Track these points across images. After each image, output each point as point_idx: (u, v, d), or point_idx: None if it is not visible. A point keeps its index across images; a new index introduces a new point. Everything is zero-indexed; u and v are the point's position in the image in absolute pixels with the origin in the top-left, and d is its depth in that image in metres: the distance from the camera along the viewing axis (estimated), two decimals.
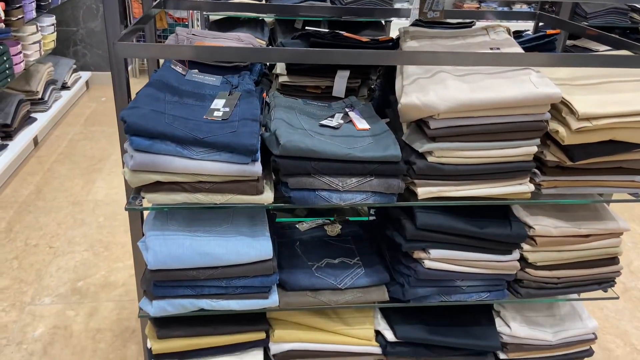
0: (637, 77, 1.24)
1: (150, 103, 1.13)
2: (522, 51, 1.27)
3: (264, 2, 3.45)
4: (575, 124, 1.13)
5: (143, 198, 1.16)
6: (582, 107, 1.12)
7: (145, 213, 1.32)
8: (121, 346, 1.87)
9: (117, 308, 2.05)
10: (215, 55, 1.09)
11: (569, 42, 3.93)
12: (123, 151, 1.15)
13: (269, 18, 3.81)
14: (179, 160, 1.09)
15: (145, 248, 1.18)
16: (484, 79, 1.17)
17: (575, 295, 1.48)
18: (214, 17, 3.77)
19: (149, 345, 1.33)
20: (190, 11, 4.66)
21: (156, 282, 1.21)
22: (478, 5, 5.98)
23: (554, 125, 1.18)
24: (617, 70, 1.25)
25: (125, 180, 1.14)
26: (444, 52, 1.15)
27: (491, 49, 1.28)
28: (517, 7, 5.43)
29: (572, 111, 1.14)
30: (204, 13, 3.63)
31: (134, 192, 1.17)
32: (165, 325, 1.31)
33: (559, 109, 1.17)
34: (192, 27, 4.71)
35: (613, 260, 1.38)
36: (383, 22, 3.51)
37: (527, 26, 1.91)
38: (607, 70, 1.25)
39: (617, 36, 1.39)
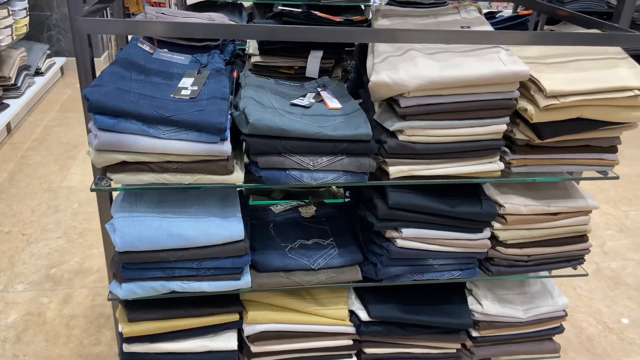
0: (605, 55, 1.25)
1: (115, 81, 1.10)
2: (492, 29, 1.26)
3: None
4: (543, 102, 1.13)
5: (110, 179, 1.14)
6: (550, 84, 1.13)
7: (115, 195, 1.30)
8: (95, 332, 1.85)
9: (91, 294, 2.03)
10: (182, 32, 1.07)
11: (546, 27, 3.96)
12: (88, 130, 1.13)
13: (247, 2, 3.76)
14: (144, 139, 1.07)
15: (112, 230, 1.16)
16: (453, 57, 1.17)
17: (545, 273, 1.50)
18: (192, 0, 3.71)
19: (120, 329, 1.31)
20: None
21: (125, 264, 1.19)
22: None
23: (523, 104, 1.18)
24: (585, 49, 1.26)
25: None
26: (414, 30, 1.14)
27: (462, 27, 1.28)
28: None
29: (540, 89, 1.14)
30: None
31: (101, 173, 1.14)
32: (136, 308, 1.30)
33: (528, 87, 1.17)
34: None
35: (582, 238, 1.40)
36: (362, 6, 3.49)
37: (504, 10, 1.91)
38: (575, 48, 1.26)
39: (591, 17, 1.39)
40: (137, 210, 1.20)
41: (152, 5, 4.68)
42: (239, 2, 3.64)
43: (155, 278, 1.21)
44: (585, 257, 1.43)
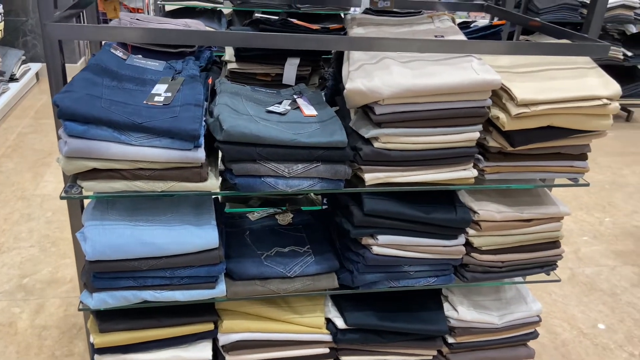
0: (574, 65, 1.27)
1: (86, 87, 1.08)
2: (465, 39, 1.28)
3: None
4: (514, 110, 1.15)
5: (81, 187, 1.12)
6: (521, 93, 1.15)
7: (87, 203, 1.27)
8: (68, 343, 1.81)
9: (64, 304, 1.99)
10: (153, 37, 1.06)
11: (522, 37, 4.03)
12: (58, 137, 1.11)
13: (226, 9, 3.76)
14: (116, 146, 1.05)
15: (83, 239, 1.14)
16: (427, 65, 1.18)
17: (520, 279, 1.52)
18: (170, 7, 3.69)
19: (91, 340, 1.29)
20: (146, 1, 4.55)
21: (96, 273, 1.17)
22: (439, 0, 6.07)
23: (495, 112, 1.20)
24: (556, 59, 1.28)
25: None
26: (388, 38, 1.15)
27: (435, 36, 1.29)
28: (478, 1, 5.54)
29: (511, 97, 1.16)
30: (159, 3, 3.55)
31: (71, 181, 1.12)
32: (107, 318, 1.27)
33: (500, 95, 1.19)
34: None
35: (554, 244, 1.42)
36: (342, 15, 3.52)
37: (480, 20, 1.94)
38: (546, 58, 1.28)
39: (562, 28, 1.42)
40: (109, 219, 1.18)
41: (130, 12, 4.64)
42: (218, 9, 3.63)
43: (127, 287, 1.19)
44: (560, 263, 1.45)
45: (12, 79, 4.01)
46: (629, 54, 4.07)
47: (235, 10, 3.77)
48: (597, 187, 3.22)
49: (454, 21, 1.39)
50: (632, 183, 3.32)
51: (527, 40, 4.00)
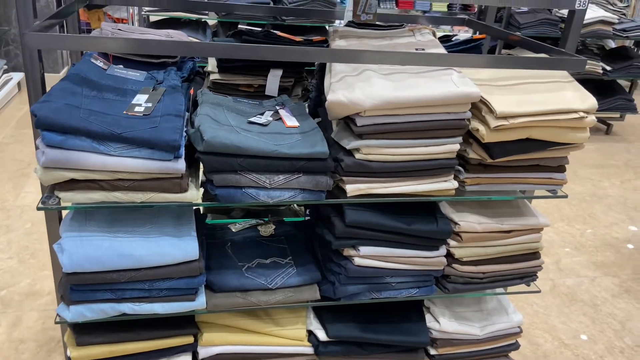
0: (552, 78, 1.29)
1: (64, 97, 1.07)
2: (445, 52, 1.30)
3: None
4: (493, 122, 1.17)
5: (58, 198, 1.10)
6: (500, 106, 1.16)
7: (65, 214, 1.26)
8: (46, 356, 1.77)
9: (42, 317, 1.95)
10: (134, 48, 1.05)
11: (504, 51, 4.10)
12: (36, 147, 1.09)
13: (212, 20, 3.76)
14: (94, 156, 1.04)
15: (60, 250, 1.12)
16: (408, 77, 1.19)
17: (501, 290, 1.52)
18: (155, 17, 3.68)
19: (68, 354, 1.26)
20: (131, 12, 4.54)
21: (73, 286, 1.15)
22: (422, 14, 6.15)
23: (475, 124, 1.21)
24: (534, 72, 1.31)
25: None
26: (369, 51, 1.16)
27: (416, 49, 1.31)
28: (460, 16, 5.62)
29: (490, 110, 1.17)
30: (143, 13, 3.54)
31: (49, 191, 1.11)
32: (85, 331, 1.25)
33: (479, 108, 1.21)
34: None
35: (534, 255, 1.43)
36: (327, 27, 3.54)
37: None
38: (525, 72, 1.30)
39: (539, 42, 1.45)
40: (87, 230, 1.16)
41: (114, 22, 4.63)
42: (203, 20, 3.64)
43: (105, 300, 1.17)
44: (542, 274, 1.46)
45: None
46: (608, 68, 4.15)
47: (220, 21, 3.79)
48: (578, 198, 3.26)
49: (434, 35, 1.41)
50: (611, 195, 3.37)
51: (509, 54, 4.07)
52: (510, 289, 1.53)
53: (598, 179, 3.58)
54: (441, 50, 1.32)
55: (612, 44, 4.60)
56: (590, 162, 3.84)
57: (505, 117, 1.17)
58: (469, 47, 1.60)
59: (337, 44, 1.34)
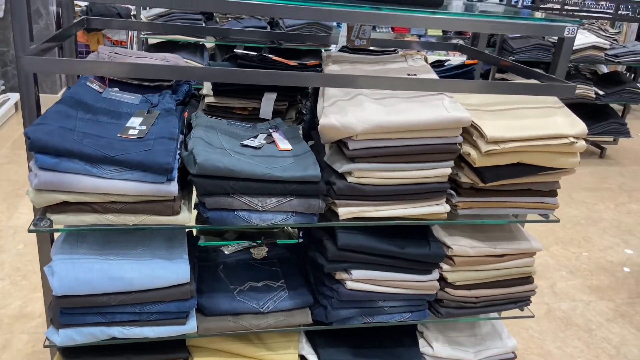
0: (542, 104, 1.31)
1: (59, 120, 1.08)
2: (437, 78, 1.32)
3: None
4: (484, 147, 1.18)
5: (50, 220, 1.10)
6: (491, 131, 1.17)
7: (57, 236, 1.25)
8: None
9: (32, 340, 1.92)
10: (129, 72, 1.07)
11: (498, 75, 4.15)
12: (29, 169, 1.10)
13: (209, 43, 3.81)
14: (87, 179, 1.04)
15: (50, 273, 1.12)
16: (400, 102, 1.21)
17: (495, 314, 1.52)
18: (153, 40, 3.73)
19: None
20: (130, 34, 4.59)
21: (63, 309, 1.14)
22: (417, 39, 6.25)
23: (466, 148, 1.23)
24: (524, 98, 1.32)
25: None
26: (362, 76, 1.18)
27: (408, 74, 1.33)
28: (454, 40, 5.72)
29: (481, 135, 1.19)
30: (142, 36, 3.58)
31: (40, 213, 1.11)
32: (74, 355, 1.23)
33: (471, 132, 1.22)
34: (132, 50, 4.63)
35: (528, 279, 1.43)
36: (323, 50, 3.59)
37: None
38: (515, 97, 1.32)
39: (531, 68, 1.47)
40: (78, 252, 1.16)
41: (114, 44, 4.68)
42: (200, 43, 3.68)
43: (95, 324, 1.16)
44: (537, 298, 1.46)
45: None
46: (601, 92, 4.21)
47: (217, 44, 3.83)
48: (573, 222, 3.27)
49: (426, 60, 1.43)
50: (606, 218, 3.38)
51: (502, 78, 4.13)
52: (504, 313, 1.52)
53: (592, 202, 3.59)
54: (433, 75, 1.34)
55: (604, 69, 4.67)
56: (585, 185, 3.85)
57: (496, 142, 1.18)
58: (461, 72, 1.63)
59: (331, 68, 1.35)
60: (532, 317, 1.47)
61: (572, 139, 1.22)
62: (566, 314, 2.35)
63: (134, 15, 4.13)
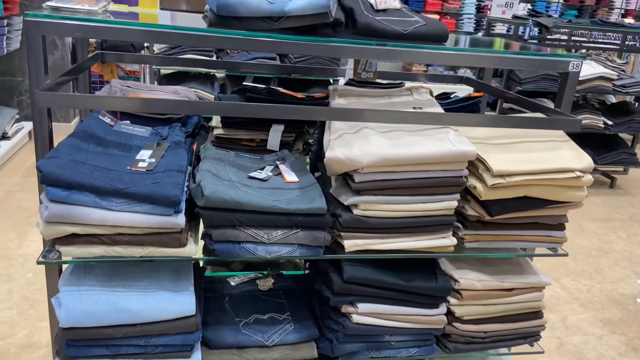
0: (548, 137, 1.32)
1: (70, 153, 1.10)
2: (442, 111, 1.33)
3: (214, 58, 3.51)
4: (490, 180, 1.18)
5: (59, 252, 1.11)
6: (496, 164, 1.18)
7: (65, 267, 1.26)
8: None
9: None
10: (139, 107, 1.09)
11: (505, 105, 4.17)
12: (40, 202, 1.11)
13: (220, 73, 3.88)
14: (96, 211, 1.06)
15: (57, 305, 1.12)
16: (405, 135, 1.22)
17: (504, 350, 1.49)
18: (165, 71, 3.80)
19: None
20: (143, 65, 4.69)
21: (69, 341, 1.14)
22: (425, 69, 6.32)
23: (472, 181, 1.23)
24: (530, 131, 1.33)
25: None
26: (367, 110, 1.19)
27: (414, 108, 1.34)
28: (461, 72, 5.78)
29: (487, 168, 1.19)
30: (154, 67, 3.66)
31: (50, 245, 1.12)
32: None
33: (476, 165, 1.22)
34: (145, 80, 4.73)
35: (537, 314, 1.41)
36: (331, 80, 3.64)
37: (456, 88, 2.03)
38: (521, 130, 1.33)
39: (536, 101, 1.48)
40: (86, 284, 1.16)
41: (127, 74, 4.78)
42: (211, 73, 3.75)
43: (101, 356, 1.16)
44: (548, 332, 1.43)
45: (4, 137, 4.05)
46: (610, 122, 4.20)
47: (227, 74, 3.90)
48: (584, 253, 3.23)
49: (431, 94, 1.45)
50: (617, 249, 3.33)
51: (510, 108, 4.14)
52: (513, 349, 1.49)
53: (604, 233, 3.55)
54: (438, 109, 1.35)
55: (612, 99, 4.68)
56: (596, 216, 3.82)
57: (502, 175, 1.18)
58: (467, 105, 1.64)
59: (337, 102, 1.37)
60: (542, 352, 1.45)
61: (578, 173, 1.22)
62: (578, 348, 2.30)
63: (147, 47, 4.23)
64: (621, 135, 4.44)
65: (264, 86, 1.63)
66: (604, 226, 3.67)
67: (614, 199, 4.26)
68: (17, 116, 4.31)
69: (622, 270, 3.06)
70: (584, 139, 4.28)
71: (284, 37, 1.14)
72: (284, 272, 1.61)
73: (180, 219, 1.10)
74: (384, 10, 1.28)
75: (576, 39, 5.04)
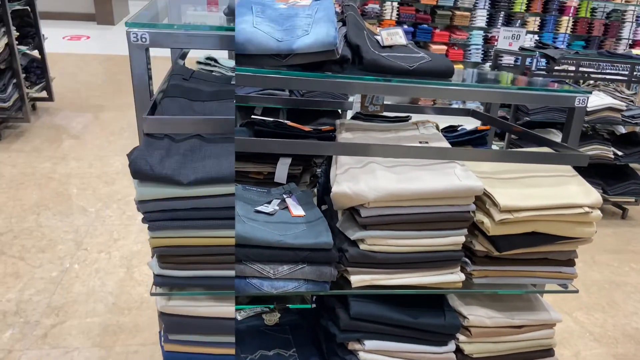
0: (555, 172, 1.31)
1: None
2: (449, 145, 1.33)
3: None
4: (498, 216, 1.17)
5: None
6: (504, 199, 1.17)
7: None
8: None
9: None
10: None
11: (514, 136, 4.17)
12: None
13: None
14: None
15: None
16: (411, 170, 1.22)
17: None
18: None
19: None
20: None
21: None
22: (433, 101, 6.36)
23: (479, 217, 1.22)
24: (538, 165, 1.33)
25: None
26: (374, 144, 1.20)
27: (420, 142, 1.35)
28: (469, 103, 5.81)
29: (494, 203, 1.18)
30: None
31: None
32: None
33: (483, 200, 1.22)
34: None
35: (548, 351, 1.38)
36: (340, 111, 3.66)
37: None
38: (528, 165, 1.32)
39: (543, 135, 1.48)
40: None
41: None
42: None
43: None
44: None
45: None
46: (620, 153, 4.18)
47: (237, 105, 3.95)
48: (597, 286, 3.16)
49: (437, 128, 1.45)
50: (630, 282, 3.27)
51: (519, 138, 4.14)
52: None
53: (616, 265, 3.48)
54: (444, 143, 1.36)
55: (622, 129, 4.66)
56: (608, 248, 3.76)
57: (509, 211, 1.17)
58: (474, 138, 1.65)
59: (344, 136, 1.38)
60: None
61: (587, 209, 1.20)
62: None
63: None
64: (632, 165, 4.41)
65: (272, 119, 1.65)
66: (617, 258, 3.61)
67: (625, 230, 4.20)
68: None
69: (636, 304, 2.99)
70: (594, 169, 4.25)
71: (293, 74, 1.15)
72: (290, 306, 1.59)
73: None
74: (390, 47, 1.29)
75: (584, 69, 5.06)
